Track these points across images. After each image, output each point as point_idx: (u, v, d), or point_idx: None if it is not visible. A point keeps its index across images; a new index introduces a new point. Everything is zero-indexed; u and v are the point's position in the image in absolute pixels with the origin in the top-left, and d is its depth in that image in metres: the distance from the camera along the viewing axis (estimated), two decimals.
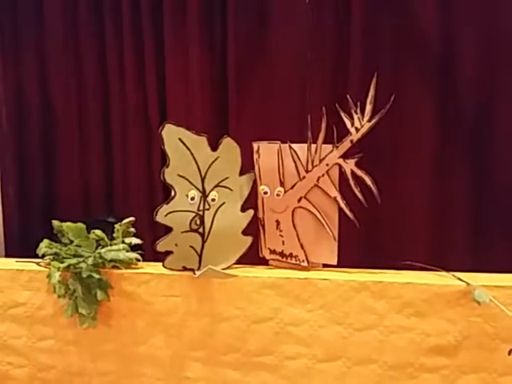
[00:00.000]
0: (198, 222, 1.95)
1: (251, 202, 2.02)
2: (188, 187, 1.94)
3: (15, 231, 3.09)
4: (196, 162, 1.93)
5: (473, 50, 2.47)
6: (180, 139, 1.91)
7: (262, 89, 2.73)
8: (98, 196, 2.99)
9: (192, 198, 1.94)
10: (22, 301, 2.05)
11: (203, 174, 1.94)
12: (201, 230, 1.95)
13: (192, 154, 1.92)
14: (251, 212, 1.97)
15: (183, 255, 1.96)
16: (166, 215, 1.93)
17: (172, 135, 1.91)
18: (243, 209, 1.96)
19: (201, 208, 1.95)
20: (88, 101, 2.95)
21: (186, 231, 1.95)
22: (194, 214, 1.94)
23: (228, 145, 1.94)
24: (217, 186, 1.95)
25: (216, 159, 1.93)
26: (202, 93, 2.78)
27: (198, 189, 1.94)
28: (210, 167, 1.93)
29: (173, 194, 1.92)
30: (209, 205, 1.95)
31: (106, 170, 2.97)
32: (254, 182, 2.00)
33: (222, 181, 1.95)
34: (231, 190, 1.95)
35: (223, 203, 1.96)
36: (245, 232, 1.97)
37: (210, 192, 1.95)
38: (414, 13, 2.52)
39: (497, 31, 2.44)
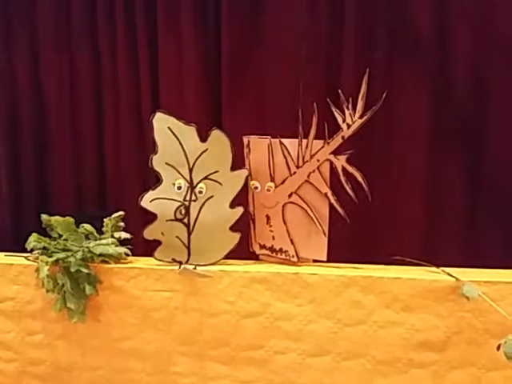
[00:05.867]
0: (183, 211, 1.94)
1: (242, 196, 2.01)
2: (175, 176, 1.94)
3: (8, 226, 3.07)
4: (184, 152, 1.93)
5: (466, 44, 2.45)
6: (169, 128, 1.92)
7: (256, 83, 2.72)
8: (90, 190, 2.97)
9: (179, 188, 1.94)
10: (11, 295, 2.04)
11: (191, 165, 1.93)
12: (186, 220, 1.95)
13: (180, 143, 1.92)
14: (240, 209, 1.95)
15: (171, 246, 1.96)
16: (151, 201, 1.94)
17: (162, 123, 1.93)
18: (233, 205, 1.94)
19: (187, 198, 1.94)
20: (80, 94, 2.92)
21: (171, 220, 1.95)
22: (179, 204, 1.94)
23: (217, 137, 1.92)
24: (205, 178, 1.93)
25: (205, 151, 1.92)
26: (195, 87, 2.76)
27: (185, 179, 1.94)
28: (198, 158, 1.93)
29: (159, 181, 1.93)
30: (196, 196, 1.94)
31: (98, 165, 2.96)
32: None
33: (211, 174, 1.93)
34: (221, 184, 1.94)
35: (211, 196, 1.94)
36: (233, 228, 1.95)
37: (198, 184, 1.94)
38: (407, 9, 2.50)
39: (491, 26, 2.43)
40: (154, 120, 1.93)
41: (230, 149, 1.92)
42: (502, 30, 2.42)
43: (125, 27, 2.79)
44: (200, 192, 1.94)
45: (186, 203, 1.95)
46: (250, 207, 2.03)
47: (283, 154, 1.93)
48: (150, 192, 1.95)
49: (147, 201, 1.95)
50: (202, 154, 1.92)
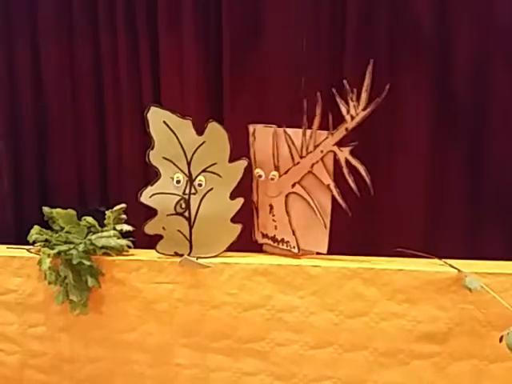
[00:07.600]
0: (184, 205, 1.94)
1: (246, 185, 2.01)
2: (173, 170, 1.94)
3: (10, 220, 3.08)
4: (181, 145, 1.92)
5: (468, 36, 2.44)
6: (165, 122, 1.92)
7: (257, 76, 2.71)
8: (92, 184, 2.97)
9: (177, 181, 1.94)
10: (13, 287, 2.05)
11: (189, 158, 1.93)
12: (186, 214, 1.95)
13: (177, 136, 1.92)
14: (241, 200, 1.95)
15: (173, 240, 1.96)
16: (150, 196, 1.95)
17: (157, 118, 1.92)
18: (233, 196, 1.94)
19: (186, 192, 1.95)
20: (82, 90, 2.93)
21: (172, 214, 1.95)
22: (179, 197, 1.94)
23: (214, 129, 1.92)
24: (204, 171, 1.94)
25: (202, 143, 1.92)
26: (196, 83, 2.76)
27: (183, 172, 1.94)
28: (196, 151, 1.93)
29: (158, 176, 1.93)
30: (195, 189, 1.94)
31: (100, 158, 2.96)
32: (250, 164, 1.98)
33: (210, 166, 1.93)
34: (220, 176, 1.94)
35: (211, 189, 1.94)
36: (234, 220, 1.95)
37: (197, 177, 1.94)
38: (409, 1, 2.50)
39: (492, 19, 2.43)
40: (148, 114, 1.92)
41: (228, 140, 1.92)
42: (503, 24, 2.42)
43: (126, 25, 2.79)
44: (199, 185, 1.94)
45: (186, 197, 1.94)
46: (254, 196, 2.03)
47: (287, 143, 1.92)
48: (149, 187, 1.95)
49: (146, 196, 1.95)
50: (199, 146, 1.92)
